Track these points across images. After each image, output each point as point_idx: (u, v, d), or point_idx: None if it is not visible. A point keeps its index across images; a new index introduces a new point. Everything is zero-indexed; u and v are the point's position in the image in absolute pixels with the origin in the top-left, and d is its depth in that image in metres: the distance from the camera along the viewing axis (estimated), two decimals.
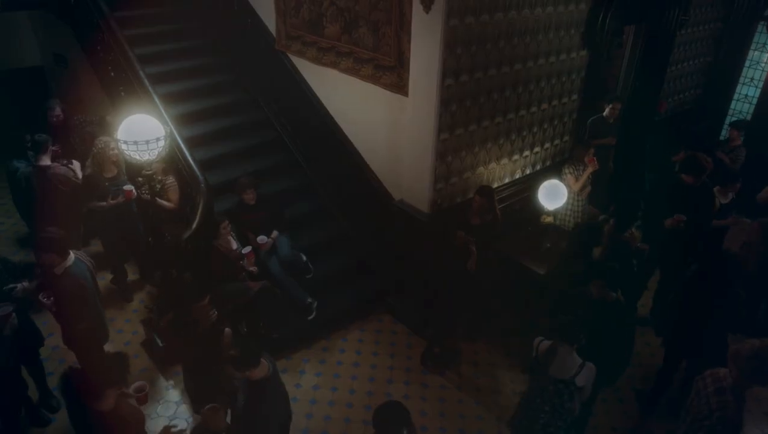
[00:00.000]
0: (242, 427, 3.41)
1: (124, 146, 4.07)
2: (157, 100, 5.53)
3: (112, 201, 5.16)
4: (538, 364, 3.55)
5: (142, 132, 4.05)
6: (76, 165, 5.47)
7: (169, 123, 5.16)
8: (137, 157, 4.11)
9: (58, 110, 5.89)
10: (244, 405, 3.32)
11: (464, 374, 5.09)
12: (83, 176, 5.41)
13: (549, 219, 5.45)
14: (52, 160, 5.26)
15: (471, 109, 4.94)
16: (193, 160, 5.26)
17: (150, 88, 5.60)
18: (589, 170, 5.67)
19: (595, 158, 5.65)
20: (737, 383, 3.16)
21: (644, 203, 5.89)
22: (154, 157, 4.17)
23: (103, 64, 6.26)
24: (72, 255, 3.95)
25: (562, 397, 3.47)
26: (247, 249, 4.99)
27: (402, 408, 2.96)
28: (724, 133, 8.18)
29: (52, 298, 3.88)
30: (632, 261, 4.75)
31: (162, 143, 4.14)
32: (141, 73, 5.68)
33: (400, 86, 4.97)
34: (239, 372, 3.27)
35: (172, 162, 5.31)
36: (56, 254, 3.86)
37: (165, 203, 5.24)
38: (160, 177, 5.09)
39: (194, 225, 4.83)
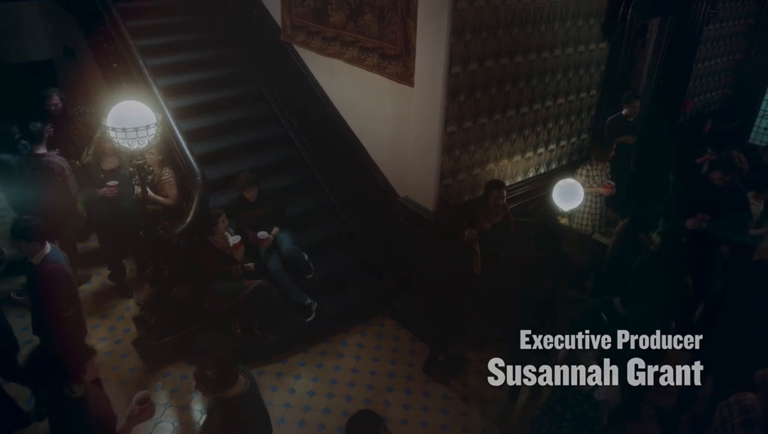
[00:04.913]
0: None
1: (112, 133, 3.89)
2: (155, 90, 5.36)
3: (99, 191, 5.00)
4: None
5: (131, 119, 3.84)
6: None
7: (166, 111, 4.99)
8: (126, 145, 3.93)
9: (55, 99, 5.76)
10: (221, 424, 2.96)
11: (470, 384, 4.77)
12: (83, 165, 5.27)
13: (564, 221, 5.13)
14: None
15: (481, 100, 4.65)
16: (191, 152, 5.07)
17: (149, 78, 5.44)
18: (601, 191, 5.48)
19: (611, 185, 5.44)
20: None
21: (666, 206, 5.53)
22: (144, 145, 3.98)
23: (107, 56, 6.13)
24: (48, 245, 3.76)
25: (582, 406, 3.22)
26: (236, 239, 4.72)
27: (373, 415, 2.65)
28: (754, 135, 7.76)
29: (25, 295, 3.69)
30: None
31: (153, 130, 3.94)
32: (141, 62, 5.53)
33: (405, 76, 4.72)
34: (217, 392, 2.90)
35: (170, 155, 5.13)
36: (35, 242, 3.67)
37: (160, 198, 5.05)
38: (153, 168, 4.90)
39: (188, 219, 4.64)
